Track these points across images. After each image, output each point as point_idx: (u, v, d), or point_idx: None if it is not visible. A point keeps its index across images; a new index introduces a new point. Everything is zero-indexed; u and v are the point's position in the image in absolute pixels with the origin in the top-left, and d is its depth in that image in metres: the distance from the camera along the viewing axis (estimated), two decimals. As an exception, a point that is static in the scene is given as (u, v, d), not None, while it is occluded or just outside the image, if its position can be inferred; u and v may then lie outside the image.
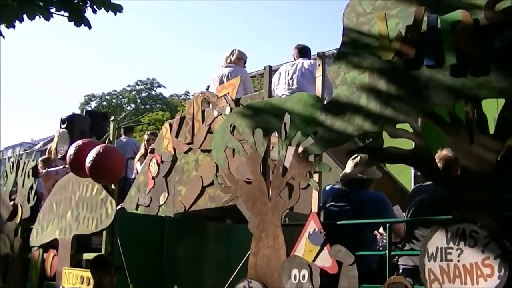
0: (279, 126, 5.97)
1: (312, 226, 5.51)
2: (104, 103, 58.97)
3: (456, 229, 4.50)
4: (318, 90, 5.88)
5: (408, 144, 5.71)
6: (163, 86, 62.80)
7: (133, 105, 59.50)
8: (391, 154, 5.17)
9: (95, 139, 8.76)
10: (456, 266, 4.47)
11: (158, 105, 57.41)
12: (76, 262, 8.47)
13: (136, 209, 8.75)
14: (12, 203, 10.65)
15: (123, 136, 12.21)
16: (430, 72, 4.82)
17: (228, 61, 9.41)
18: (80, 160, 7.83)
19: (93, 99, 59.82)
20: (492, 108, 4.86)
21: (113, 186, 8.14)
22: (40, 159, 11.63)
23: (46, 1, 7.27)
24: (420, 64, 4.89)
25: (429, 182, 5.57)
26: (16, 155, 11.31)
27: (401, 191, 8.04)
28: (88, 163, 7.65)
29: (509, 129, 4.49)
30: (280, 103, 6.11)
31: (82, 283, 7.89)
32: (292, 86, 8.70)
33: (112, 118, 8.75)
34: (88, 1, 7.25)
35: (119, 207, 8.51)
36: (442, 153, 5.41)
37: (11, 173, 11.01)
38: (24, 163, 10.66)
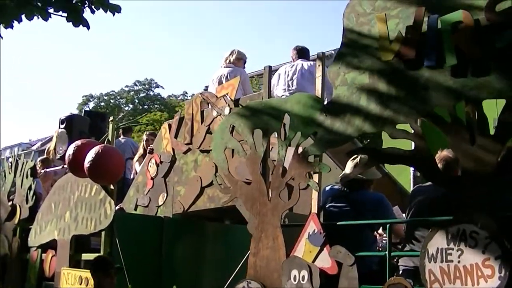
0: (278, 127, 5.96)
1: (312, 226, 5.50)
2: (102, 104, 58.94)
3: (457, 229, 4.49)
4: (318, 91, 5.87)
5: (407, 145, 5.72)
6: (161, 86, 63.03)
7: (131, 106, 59.48)
8: (391, 154, 5.16)
9: (94, 140, 8.73)
10: (456, 267, 4.46)
11: (156, 106, 57.39)
12: (74, 263, 8.46)
13: (135, 209, 8.75)
14: (10, 203, 10.64)
15: (122, 136, 12.20)
16: (431, 72, 4.82)
17: (228, 61, 9.39)
18: (79, 160, 7.82)
19: (91, 100, 59.81)
20: (492, 108, 4.86)
21: (112, 187, 8.12)
22: (38, 159, 11.62)
23: (44, 2, 7.26)
24: (421, 64, 4.88)
25: (429, 183, 5.56)
26: (15, 155, 11.30)
27: (401, 191, 8.05)
28: (87, 163, 7.63)
29: (510, 130, 4.48)
30: (280, 104, 6.10)
31: (80, 284, 7.88)
32: (292, 87, 8.68)
33: (111, 118, 8.72)
34: (86, 2, 7.25)
35: (117, 207, 8.50)
36: (442, 154, 5.41)
37: (10, 173, 11.00)
38: (23, 163, 10.65)
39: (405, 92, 4.99)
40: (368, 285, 5.14)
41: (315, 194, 5.67)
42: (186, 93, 57.93)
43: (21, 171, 10.59)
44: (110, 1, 7.35)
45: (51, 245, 9.15)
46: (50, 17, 7.34)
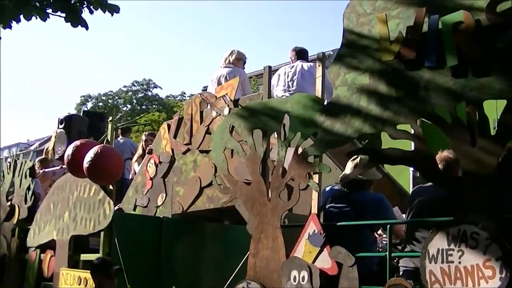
0: (278, 127, 5.95)
1: (312, 227, 5.49)
2: (100, 104, 58.88)
3: (457, 230, 4.49)
4: (318, 91, 5.86)
5: (407, 145, 5.71)
6: (159, 87, 62.94)
7: (129, 106, 59.46)
8: (391, 155, 5.15)
9: (92, 140, 8.72)
10: (457, 268, 4.45)
11: (154, 106, 57.34)
12: (73, 263, 8.45)
13: (134, 209, 8.74)
14: (9, 203, 10.62)
15: (121, 136, 12.19)
16: (431, 73, 4.81)
17: (227, 61, 9.38)
18: (78, 161, 7.80)
19: (89, 100, 59.77)
20: (492, 109, 4.85)
21: (111, 187, 8.10)
22: (37, 159, 11.60)
23: (43, 2, 7.26)
24: (421, 65, 4.88)
25: (429, 184, 5.55)
26: (13, 155, 11.28)
27: (400, 192, 8.04)
28: (86, 163, 7.61)
29: (510, 131, 4.47)
30: (279, 104, 6.09)
31: (79, 284, 7.87)
32: (292, 87, 8.68)
33: (110, 118, 8.71)
34: (85, 2, 7.25)
35: (116, 207, 8.49)
36: (442, 154, 5.41)
37: (8, 173, 10.98)
38: (21, 163, 10.63)
39: (405, 92, 4.98)
40: (368, 285, 5.13)
41: (315, 195, 5.66)
42: (184, 93, 57.99)
43: (19, 171, 10.58)
44: (109, 1, 7.35)
45: (50, 245, 9.13)
46: (49, 17, 7.35)
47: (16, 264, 9.98)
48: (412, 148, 6.34)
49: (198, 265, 8.05)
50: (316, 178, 5.64)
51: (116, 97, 60.61)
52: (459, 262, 4.44)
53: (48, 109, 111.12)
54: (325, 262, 5.30)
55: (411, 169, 7.79)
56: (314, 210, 5.63)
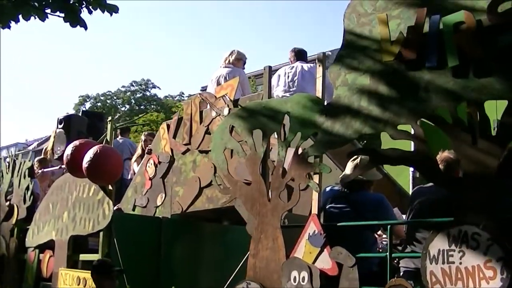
0: (278, 127, 5.94)
1: (312, 227, 5.48)
2: (99, 104, 58.88)
3: (458, 231, 4.48)
4: (319, 91, 5.84)
5: (406, 145, 5.70)
6: (158, 87, 62.90)
7: (127, 106, 59.44)
8: (392, 155, 5.14)
9: (92, 140, 8.71)
10: (458, 269, 4.44)
11: (152, 106, 57.33)
12: (72, 263, 8.44)
13: (133, 210, 8.73)
14: (8, 203, 10.61)
15: (120, 137, 12.16)
16: (432, 73, 4.80)
17: (227, 61, 9.37)
18: (77, 161, 7.78)
19: (88, 100, 59.76)
20: (492, 109, 4.84)
21: (110, 187, 8.09)
22: (36, 159, 11.59)
23: (42, 2, 7.25)
24: (422, 65, 4.86)
25: (429, 184, 5.55)
26: (12, 155, 11.27)
27: (400, 193, 8.03)
28: (85, 163, 7.60)
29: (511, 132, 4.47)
30: (280, 104, 6.07)
31: (78, 284, 7.86)
32: (293, 88, 8.67)
33: (110, 118, 8.70)
34: (84, 2, 7.24)
35: (115, 208, 8.46)
36: (443, 155, 5.40)
37: (7, 173, 10.97)
38: (20, 163, 10.62)
39: (406, 93, 4.97)
40: (367, 286, 5.13)
41: (315, 195, 5.65)
42: (183, 93, 58.04)
43: (18, 171, 10.57)
44: (108, 1, 7.35)
45: (48, 245, 9.12)
46: (48, 17, 7.35)
47: (15, 264, 9.97)
48: (412, 149, 6.35)
49: (198, 266, 8.04)
50: (316, 178, 5.62)
51: (115, 97, 60.61)
52: (460, 263, 4.43)
53: (46, 109, 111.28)
54: (325, 262, 5.29)
55: (411, 169, 7.79)
56: (315, 210, 5.62)
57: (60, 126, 10.21)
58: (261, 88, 6.88)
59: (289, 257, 5.59)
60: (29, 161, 10.66)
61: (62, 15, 7.24)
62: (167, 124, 8.55)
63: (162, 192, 8.29)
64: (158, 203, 8.30)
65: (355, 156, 6.03)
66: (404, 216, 6.20)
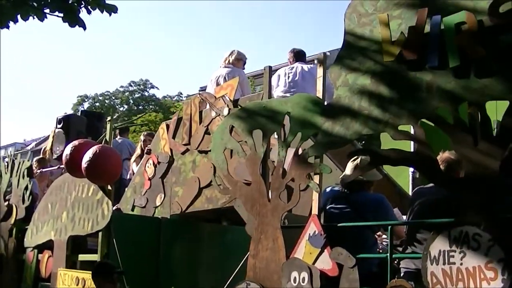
0: (278, 128, 5.92)
1: (313, 228, 5.46)
2: (97, 104, 58.84)
3: (459, 232, 4.46)
4: (319, 91, 5.83)
5: (405, 145, 5.69)
6: (156, 87, 62.84)
7: (125, 106, 59.38)
8: (393, 156, 5.13)
9: (91, 140, 8.69)
10: (459, 269, 4.43)
11: (151, 106, 57.28)
12: (71, 263, 8.42)
13: (132, 210, 8.72)
14: (6, 203, 10.59)
15: (119, 137, 12.15)
16: (433, 74, 4.78)
17: (227, 61, 9.35)
18: (76, 161, 7.76)
19: (86, 100, 59.71)
20: (492, 110, 4.83)
21: (109, 187, 8.07)
22: (34, 159, 11.58)
23: (40, 2, 7.24)
24: (423, 65, 4.85)
25: (430, 185, 5.54)
26: (11, 155, 11.26)
27: (400, 193, 8.02)
28: (84, 163, 7.58)
29: (512, 133, 4.46)
30: (280, 105, 6.06)
31: (77, 285, 7.84)
32: (293, 88, 8.65)
33: (109, 118, 8.68)
34: (82, 2, 7.24)
35: (114, 208, 8.45)
36: (444, 155, 5.40)
37: (6, 173, 10.95)
38: (19, 163, 10.61)
39: (407, 93, 4.95)
40: (367, 287, 5.12)
41: (315, 195, 5.64)
42: (181, 93, 57.99)
43: (17, 171, 10.55)
44: (107, 1, 7.34)
45: (47, 245, 9.11)
46: (46, 17, 7.34)
47: (14, 264, 9.96)
48: (412, 149, 6.35)
49: (197, 266, 8.03)
50: (316, 178, 5.61)
51: (113, 97, 60.56)
52: (461, 264, 4.42)
53: (44, 109, 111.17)
54: (325, 263, 5.28)
55: (411, 170, 7.78)
56: (315, 211, 5.61)
57: (59, 126, 10.20)
58: (260, 88, 6.86)
59: (289, 258, 5.58)
60: (28, 161, 10.65)
61: (61, 15, 7.24)
62: (166, 124, 8.54)
63: (161, 192, 8.27)
64: (157, 203, 8.28)
65: (355, 157, 6.02)
66: (404, 217, 6.20)
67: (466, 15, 4.62)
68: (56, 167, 10.93)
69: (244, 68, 9.56)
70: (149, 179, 8.52)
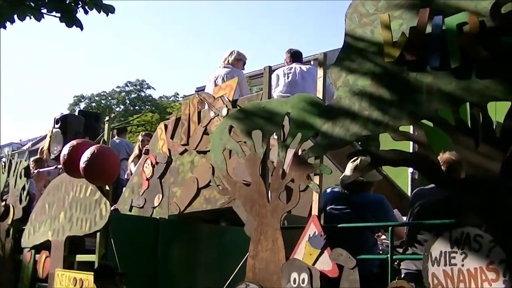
0: (278, 128, 5.91)
1: (312, 229, 5.45)
2: (93, 104, 58.74)
3: (460, 233, 4.45)
4: (319, 92, 5.81)
5: (405, 146, 5.68)
6: (152, 87, 62.78)
7: (122, 106, 59.34)
8: (393, 157, 5.11)
9: (89, 140, 8.67)
10: (460, 271, 4.41)
11: (147, 107, 57.23)
12: (68, 264, 8.41)
13: (130, 210, 8.70)
14: (3, 203, 10.57)
15: (116, 137, 12.13)
16: (434, 74, 4.77)
17: (226, 62, 9.31)
18: (74, 161, 7.75)
19: (82, 100, 59.62)
20: (491, 111, 4.82)
21: (107, 187, 8.05)
22: (32, 159, 11.56)
23: (38, 2, 7.22)
24: (424, 66, 4.83)
25: (430, 185, 5.53)
26: (8, 155, 11.23)
27: (399, 194, 8.00)
28: (82, 163, 7.57)
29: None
30: (280, 105, 6.04)
31: (75, 285, 7.82)
32: (293, 89, 8.62)
33: (107, 118, 8.67)
34: (79, 2, 7.21)
35: (112, 208, 8.43)
36: (444, 156, 5.38)
37: (3, 173, 10.93)
38: (16, 163, 10.58)
39: (407, 94, 4.94)
40: (367, 288, 5.11)
41: (315, 196, 5.62)
42: (178, 94, 57.88)
43: (14, 171, 10.53)
44: (104, 1, 7.32)
45: (45, 246, 9.09)
46: (43, 17, 7.31)
47: (11, 264, 9.95)
48: (411, 149, 6.34)
49: (195, 267, 8.02)
50: (316, 179, 5.59)
51: (109, 98, 60.49)
52: (462, 265, 4.41)
53: (40, 109, 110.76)
54: (325, 264, 5.26)
55: (410, 170, 7.77)
56: (315, 211, 5.59)
57: (56, 126, 10.17)
58: (257, 89, 6.85)
59: (289, 259, 5.56)
60: (25, 161, 10.62)
61: (58, 15, 7.21)
62: (164, 124, 8.52)
63: (159, 192, 8.25)
64: (156, 204, 8.26)
65: (355, 158, 6.00)
66: (404, 218, 6.19)
67: (468, 16, 4.61)
68: (54, 167, 10.90)
69: (243, 69, 9.53)
70: (147, 179, 8.50)
